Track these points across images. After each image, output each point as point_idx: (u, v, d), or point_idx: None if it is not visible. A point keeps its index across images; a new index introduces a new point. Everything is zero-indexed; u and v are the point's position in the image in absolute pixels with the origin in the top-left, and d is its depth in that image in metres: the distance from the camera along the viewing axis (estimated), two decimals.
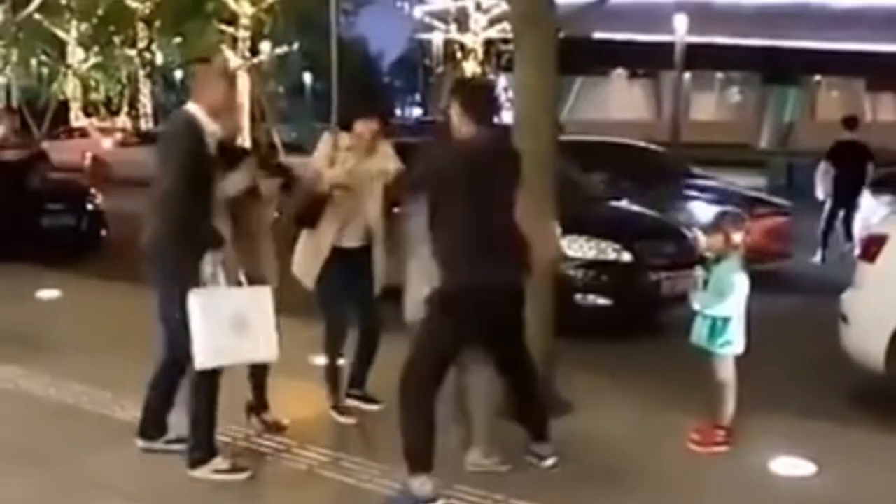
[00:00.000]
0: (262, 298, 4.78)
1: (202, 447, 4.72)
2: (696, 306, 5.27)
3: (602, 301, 8.17)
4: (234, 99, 5.05)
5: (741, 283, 5.16)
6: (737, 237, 5.22)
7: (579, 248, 8.16)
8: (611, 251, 8.29)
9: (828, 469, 4.95)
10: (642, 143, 13.18)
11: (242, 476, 4.75)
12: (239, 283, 4.82)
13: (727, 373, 5.19)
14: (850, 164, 12.56)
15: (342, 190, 5.47)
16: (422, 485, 4.34)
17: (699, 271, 5.35)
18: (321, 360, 5.74)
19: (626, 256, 8.29)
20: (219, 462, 4.74)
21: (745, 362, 5.25)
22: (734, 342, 5.19)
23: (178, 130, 4.76)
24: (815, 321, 7.27)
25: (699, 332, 5.25)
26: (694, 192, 11.32)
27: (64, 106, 39.28)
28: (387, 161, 5.62)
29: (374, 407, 5.75)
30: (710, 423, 5.24)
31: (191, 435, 4.74)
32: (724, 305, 5.15)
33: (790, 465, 5.01)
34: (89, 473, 4.84)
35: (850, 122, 13.13)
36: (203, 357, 4.55)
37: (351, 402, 5.79)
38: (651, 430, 5.51)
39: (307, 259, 5.63)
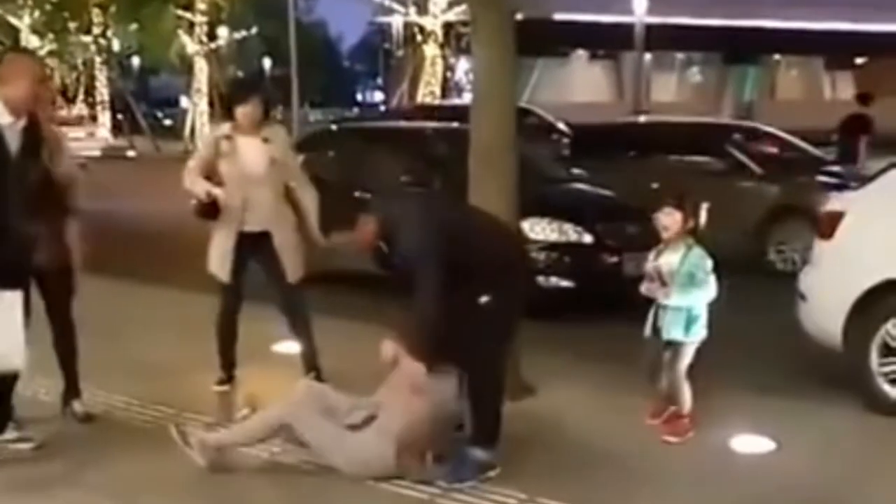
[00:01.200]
0: (8, 305, 4.57)
1: None
2: (666, 300, 5.06)
3: (564, 283, 8.20)
4: (39, 95, 4.86)
5: (709, 270, 5.04)
6: (692, 221, 5.09)
7: (541, 230, 8.17)
8: (572, 233, 8.31)
9: (788, 446, 4.99)
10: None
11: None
12: None
13: (688, 360, 5.12)
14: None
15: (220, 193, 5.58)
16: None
17: (651, 263, 5.17)
18: (282, 347, 5.72)
19: (588, 238, 8.32)
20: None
21: (703, 342, 5.21)
22: (703, 329, 5.10)
23: None
24: (771, 300, 7.31)
25: (672, 327, 5.06)
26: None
27: None
28: (276, 147, 5.75)
29: None
30: (672, 412, 5.18)
31: None
32: (700, 296, 5.03)
33: (750, 443, 5.05)
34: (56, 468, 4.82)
35: (864, 98, 14.62)
36: None
37: None
38: (613, 412, 5.53)
39: (219, 253, 5.75)
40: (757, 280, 9.26)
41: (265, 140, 5.73)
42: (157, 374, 6.13)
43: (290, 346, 6.55)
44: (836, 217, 6.14)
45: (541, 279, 8.08)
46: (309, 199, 5.91)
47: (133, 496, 4.49)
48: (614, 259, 8.23)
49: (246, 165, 5.68)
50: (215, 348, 5.96)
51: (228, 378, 5.98)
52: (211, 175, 5.70)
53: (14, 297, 4.59)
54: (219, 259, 5.78)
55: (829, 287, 6.12)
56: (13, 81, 4.67)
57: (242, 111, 5.67)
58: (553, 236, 8.24)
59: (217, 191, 5.62)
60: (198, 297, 6.75)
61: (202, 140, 5.83)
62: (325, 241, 5.82)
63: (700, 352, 5.15)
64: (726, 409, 5.49)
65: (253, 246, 5.75)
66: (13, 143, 4.68)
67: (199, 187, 5.63)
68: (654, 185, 9.05)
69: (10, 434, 4.95)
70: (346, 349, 6.06)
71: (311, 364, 5.93)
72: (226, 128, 5.77)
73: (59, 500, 4.48)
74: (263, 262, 5.84)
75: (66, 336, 5.40)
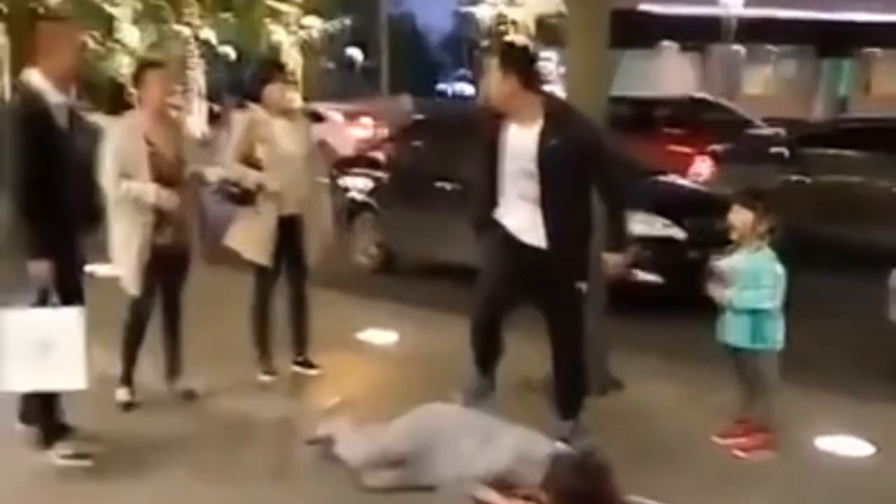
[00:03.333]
0: (71, 322, 4.42)
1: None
2: (728, 301, 4.85)
3: (652, 278, 8.11)
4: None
5: (780, 275, 4.80)
6: (765, 222, 4.85)
7: (630, 223, 8.07)
8: (661, 227, 8.20)
9: (888, 449, 4.88)
10: None
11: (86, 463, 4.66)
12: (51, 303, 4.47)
13: (771, 370, 4.88)
14: None
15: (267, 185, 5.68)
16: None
17: (718, 262, 4.96)
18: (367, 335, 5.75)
19: (677, 232, 8.21)
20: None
21: (789, 342, 5.02)
22: (777, 337, 4.85)
23: (17, 104, 4.54)
24: (860, 297, 7.13)
25: (733, 331, 4.85)
26: None
27: (118, 85, 39.56)
28: (307, 131, 6.00)
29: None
30: (749, 425, 4.97)
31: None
32: (763, 296, 4.76)
33: (847, 446, 4.95)
34: (150, 446, 4.94)
35: None
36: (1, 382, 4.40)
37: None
38: (702, 410, 5.46)
39: (255, 238, 5.79)
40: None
41: (299, 122, 5.90)
42: (233, 357, 6.18)
43: (375, 335, 6.64)
44: None
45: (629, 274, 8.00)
46: (322, 191, 6.19)
47: (227, 478, 4.58)
48: (704, 255, 8.09)
49: (284, 148, 5.76)
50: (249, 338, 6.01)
51: (271, 367, 6.04)
52: (246, 159, 5.77)
53: (73, 315, 4.44)
54: (257, 244, 5.81)
55: None
56: (54, 53, 4.50)
57: (269, 93, 5.77)
58: (642, 230, 8.14)
59: (263, 177, 5.70)
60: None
61: (235, 126, 5.89)
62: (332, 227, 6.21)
63: (791, 352, 4.98)
64: (819, 411, 5.39)
65: (287, 228, 5.83)
66: (62, 121, 4.56)
67: (251, 178, 5.70)
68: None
69: (65, 450, 4.72)
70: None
71: (303, 346, 6.08)
72: (260, 112, 5.82)
73: (166, 486, 4.58)
74: (290, 241, 5.88)
75: (175, 318, 5.58)
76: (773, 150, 12.00)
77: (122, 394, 5.49)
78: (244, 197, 5.75)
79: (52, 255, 4.39)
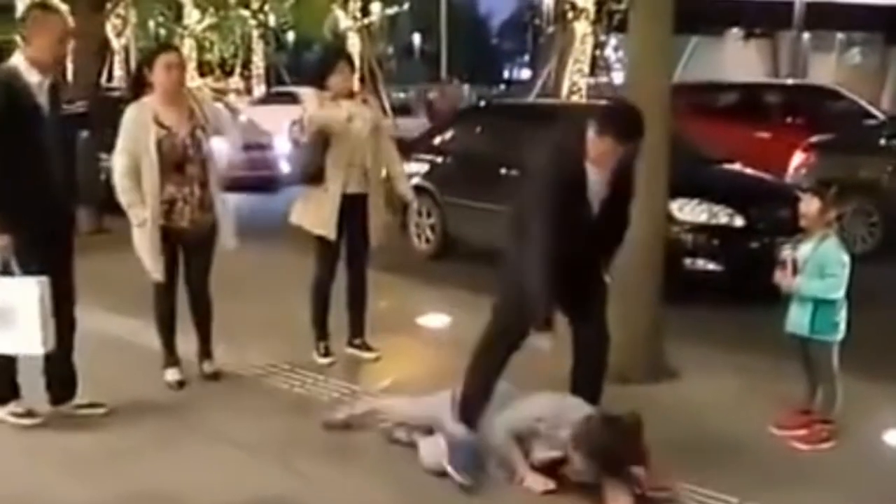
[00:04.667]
0: (29, 290, 4.61)
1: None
2: (794, 289, 4.81)
3: (713, 266, 8.03)
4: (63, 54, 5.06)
5: (846, 263, 4.75)
6: (833, 211, 4.81)
7: (690, 211, 8.02)
8: (723, 215, 8.12)
9: None
10: None
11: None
12: (9, 273, 4.66)
13: (833, 361, 4.84)
14: None
15: (326, 128, 5.73)
16: None
17: (787, 251, 4.90)
18: (426, 320, 5.78)
19: (739, 220, 8.12)
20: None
21: (855, 332, 4.94)
22: (840, 327, 4.82)
23: None
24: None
25: (796, 319, 4.84)
26: None
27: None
28: (376, 112, 6.01)
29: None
30: (810, 416, 4.92)
31: None
32: (829, 286, 4.73)
33: None
34: (204, 424, 5.04)
35: None
36: None
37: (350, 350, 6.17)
38: (758, 402, 5.37)
39: (323, 214, 5.83)
40: None
41: (365, 102, 5.95)
42: (292, 337, 6.29)
43: (434, 319, 6.66)
44: None
45: (688, 261, 7.94)
46: (397, 160, 6.15)
47: (284, 458, 4.63)
48: (765, 243, 8.00)
49: (352, 129, 5.80)
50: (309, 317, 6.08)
51: (329, 349, 6.09)
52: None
53: (32, 284, 4.61)
54: (324, 219, 5.85)
55: None
56: (39, 40, 4.72)
57: (334, 81, 5.82)
58: (703, 218, 8.08)
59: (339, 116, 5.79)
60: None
61: (309, 109, 5.94)
62: (412, 197, 6.24)
63: (857, 343, 4.91)
64: (884, 403, 5.30)
65: (351, 208, 5.86)
66: (43, 101, 4.76)
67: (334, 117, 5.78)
68: None
69: (16, 408, 5.00)
70: None
71: (360, 330, 6.13)
72: (327, 96, 5.87)
73: (221, 463, 4.65)
74: (352, 222, 5.92)
75: (202, 300, 5.67)
76: (883, 141, 11.43)
77: (170, 374, 5.61)
78: (314, 176, 5.81)
79: (15, 228, 4.59)
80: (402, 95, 41.82)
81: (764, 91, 17.01)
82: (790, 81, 20.21)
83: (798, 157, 11.17)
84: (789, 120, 15.09)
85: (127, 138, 5.29)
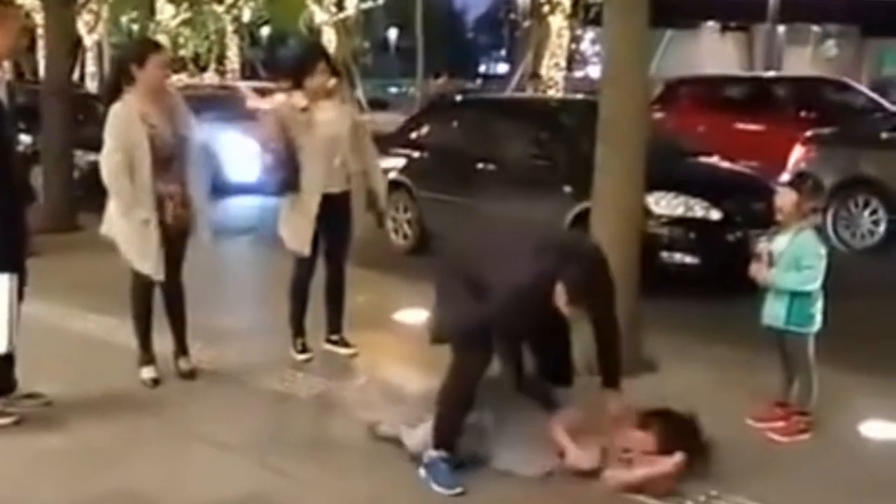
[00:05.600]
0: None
1: None
2: (769, 282, 4.82)
3: (689, 259, 8.05)
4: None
5: (823, 255, 4.76)
6: (810, 203, 4.79)
7: (666, 204, 8.04)
8: (699, 208, 8.14)
9: None
10: None
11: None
12: None
13: (809, 353, 4.84)
14: None
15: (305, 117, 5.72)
16: None
17: (762, 244, 4.91)
18: (403, 316, 5.76)
19: (715, 214, 8.14)
20: None
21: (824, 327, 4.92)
22: (815, 319, 4.82)
23: None
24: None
25: (771, 311, 4.85)
26: None
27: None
28: (353, 109, 6.00)
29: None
30: (787, 408, 4.94)
31: None
32: (805, 278, 4.72)
33: (882, 430, 4.90)
34: (181, 423, 4.99)
35: None
36: None
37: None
38: (735, 394, 5.39)
39: (298, 223, 5.83)
40: None
41: (343, 101, 5.92)
42: (271, 334, 6.26)
43: (412, 315, 6.64)
44: None
45: (664, 255, 7.96)
46: (374, 155, 6.12)
47: (262, 455, 4.60)
48: (741, 236, 8.03)
49: (330, 130, 5.77)
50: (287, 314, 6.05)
51: (306, 345, 6.07)
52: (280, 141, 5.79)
53: (2, 282, 4.62)
54: (300, 235, 5.84)
55: None
56: None
57: (314, 83, 5.77)
58: (679, 211, 8.10)
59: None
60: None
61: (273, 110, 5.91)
62: (383, 197, 6.20)
63: (826, 334, 4.89)
64: (857, 394, 5.33)
65: (331, 206, 5.83)
66: (2, 95, 4.76)
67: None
68: None
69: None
70: None
71: (338, 326, 6.12)
72: (299, 99, 5.81)
73: (179, 454, 4.63)
74: (332, 219, 5.89)
75: (177, 295, 5.63)
76: (885, 134, 11.35)
77: (146, 372, 5.57)
78: (287, 185, 5.77)
79: None
80: (378, 91, 41.79)
81: (772, 84, 16.96)
82: (799, 74, 20.15)
83: (798, 151, 11.07)
84: (798, 113, 14.98)
85: (118, 136, 5.21)
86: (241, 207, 12.59)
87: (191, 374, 5.66)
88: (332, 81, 5.92)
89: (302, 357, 5.99)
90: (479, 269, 4.27)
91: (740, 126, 14.71)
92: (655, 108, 16.78)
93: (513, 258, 4.18)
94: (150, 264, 5.35)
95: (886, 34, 40.80)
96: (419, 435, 4.44)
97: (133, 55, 5.41)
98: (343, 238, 6.00)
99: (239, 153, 13.24)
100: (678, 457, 4.23)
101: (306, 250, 5.86)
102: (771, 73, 20.78)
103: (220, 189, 12.28)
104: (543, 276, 4.06)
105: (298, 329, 6.06)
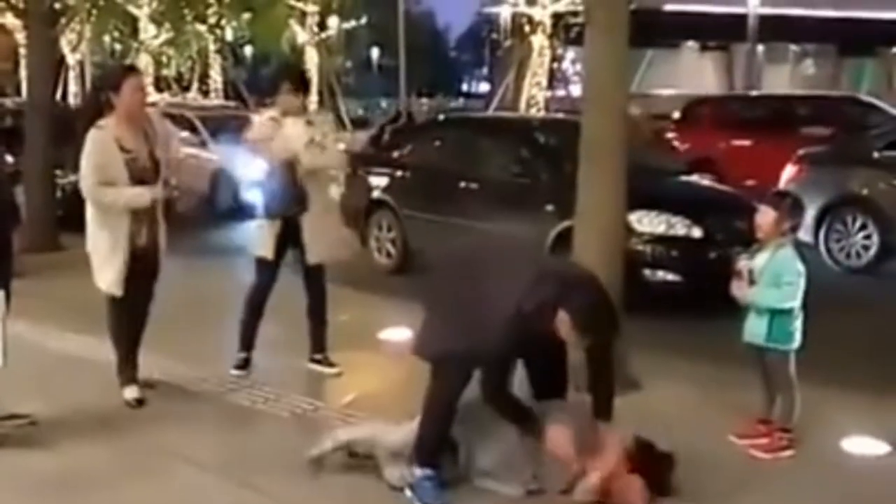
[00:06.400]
0: None
1: None
2: (749, 300, 4.86)
3: (671, 277, 8.08)
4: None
5: (802, 272, 4.80)
6: (789, 221, 4.84)
7: (648, 222, 8.07)
8: (680, 226, 8.18)
9: None
10: None
11: None
12: None
13: (790, 370, 4.87)
14: None
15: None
16: None
17: (743, 262, 4.94)
18: (388, 334, 5.75)
19: (697, 231, 8.18)
20: None
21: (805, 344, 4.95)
22: (795, 336, 4.85)
23: None
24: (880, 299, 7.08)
25: (753, 329, 4.87)
26: None
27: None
28: (317, 130, 5.91)
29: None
30: (770, 425, 4.95)
31: None
32: (785, 295, 4.76)
33: (864, 445, 4.92)
34: (163, 442, 4.96)
35: None
36: None
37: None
38: (718, 411, 5.40)
39: (265, 231, 5.95)
40: None
41: (309, 123, 5.92)
42: (254, 353, 6.19)
43: (396, 334, 6.64)
44: None
45: (647, 273, 7.98)
46: (336, 158, 6.33)
47: (244, 475, 4.58)
48: (722, 254, 8.06)
49: (287, 145, 5.82)
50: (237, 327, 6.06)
51: (248, 360, 6.06)
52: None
53: None
54: (264, 240, 5.95)
55: None
56: None
57: (280, 100, 5.94)
58: (661, 229, 8.13)
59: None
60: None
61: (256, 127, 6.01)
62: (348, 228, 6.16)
63: (807, 352, 4.93)
64: (838, 410, 5.35)
65: (290, 224, 5.90)
66: None
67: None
68: None
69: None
70: None
71: (321, 345, 6.10)
72: (272, 113, 6.01)
73: (160, 474, 4.60)
74: (295, 239, 5.95)
75: (144, 317, 5.64)
76: (877, 153, 11.07)
77: (129, 392, 5.54)
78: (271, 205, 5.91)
79: None
80: (360, 111, 41.90)
81: (794, 103, 16.96)
82: (821, 93, 20.10)
83: (789, 170, 11.06)
84: (819, 131, 14.80)
85: (94, 163, 5.23)
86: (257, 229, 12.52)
87: (149, 385, 5.65)
88: (301, 98, 5.96)
89: (236, 373, 5.95)
90: (473, 293, 4.20)
91: (762, 144, 14.73)
92: (676, 127, 16.93)
93: (512, 285, 4.12)
94: (112, 278, 5.35)
95: (862, 53, 41.26)
96: (396, 472, 4.41)
97: (108, 83, 5.45)
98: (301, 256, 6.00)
99: (256, 175, 13.21)
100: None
101: (270, 255, 5.90)
102: (797, 92, 20.79)
103: (239, 211, 12.43)
104: (545, 304, 4.04)
105: (244, 341, 6.04)
